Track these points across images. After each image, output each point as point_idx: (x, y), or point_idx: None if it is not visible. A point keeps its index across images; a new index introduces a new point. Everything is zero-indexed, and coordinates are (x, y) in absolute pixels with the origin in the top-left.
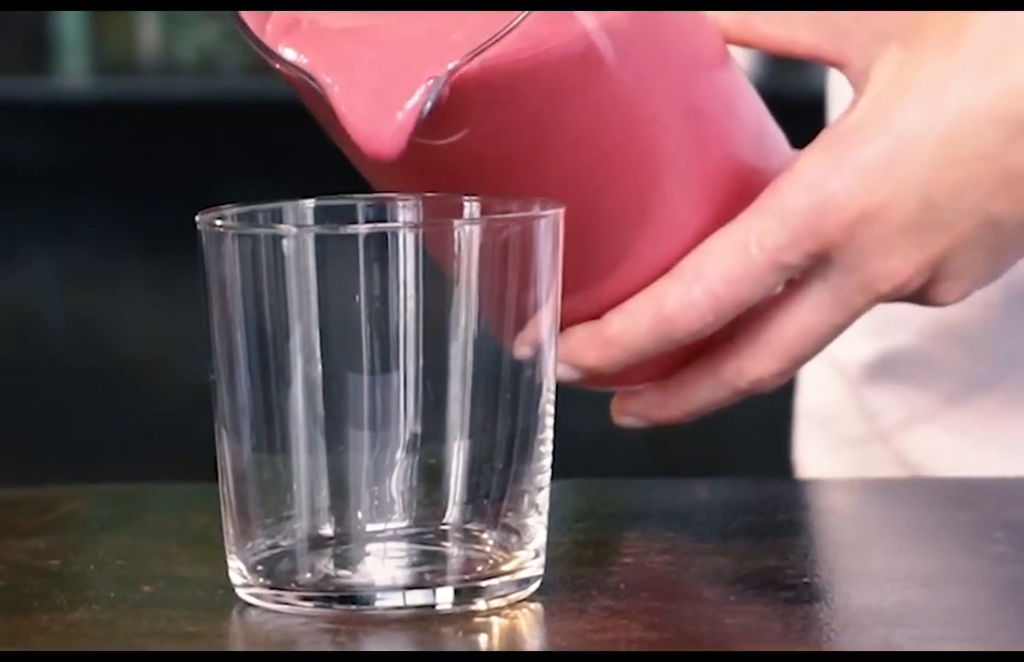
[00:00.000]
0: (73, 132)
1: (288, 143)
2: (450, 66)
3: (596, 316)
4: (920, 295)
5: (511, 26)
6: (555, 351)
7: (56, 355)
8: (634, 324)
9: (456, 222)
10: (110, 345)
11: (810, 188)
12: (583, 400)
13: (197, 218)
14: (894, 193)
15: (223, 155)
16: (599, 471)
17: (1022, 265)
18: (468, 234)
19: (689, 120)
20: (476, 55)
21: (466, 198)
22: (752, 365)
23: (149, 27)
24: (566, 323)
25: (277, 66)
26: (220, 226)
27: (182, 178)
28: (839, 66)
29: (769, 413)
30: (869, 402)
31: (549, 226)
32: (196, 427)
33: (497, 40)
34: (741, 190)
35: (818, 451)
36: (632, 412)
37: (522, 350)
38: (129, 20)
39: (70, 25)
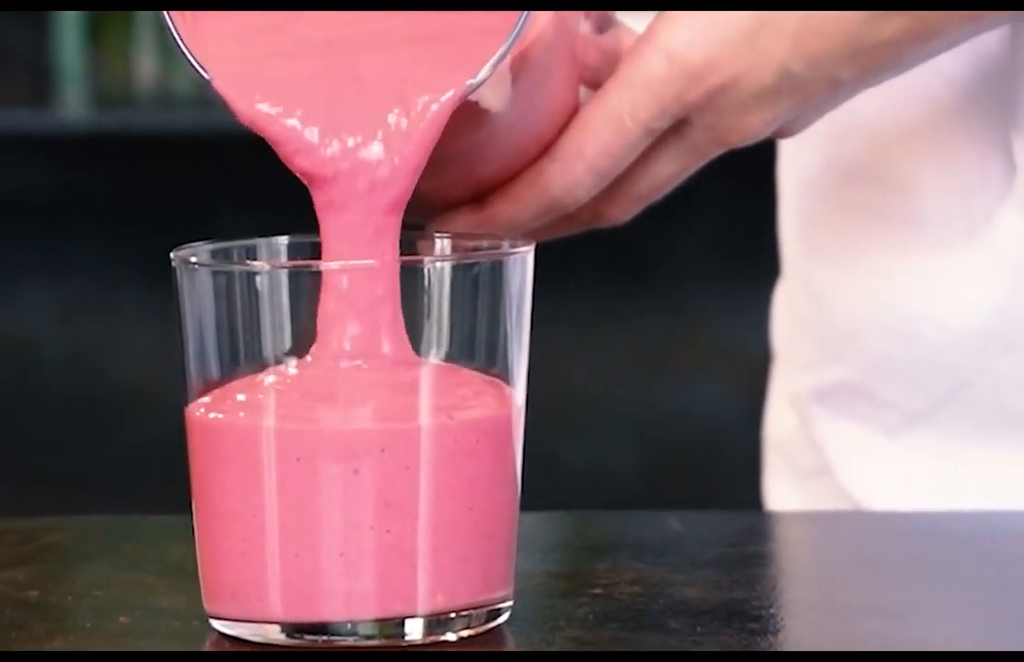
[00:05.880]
0: (71, 163)
1: (285, 176)
2: (473, 81)
3: (474, 182)
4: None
5: (519, 27)
6: (524, 386)
7: (54, 385)
8: (521, 210)
9: (427, 259)
10: (108, 375)
11: (672, 57)
12: (576, 434)
13: (172, 254)
14: (754, 64)
15: (220, 187)
16: (591, 503)
17: (971, 322)
18: (439, 270)
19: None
20: (497, 63)
21: (438, 235)
22: (609, 210)
23: (146, 59)
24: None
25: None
26: (194, 262)
27: (180, 210)
28: None
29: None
30: (815, 434)
31: (518, 263)
32: None
33: (512, 45)
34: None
35: (782, 482)
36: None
37: None
38: (126, 52)
39: (69, 56)
